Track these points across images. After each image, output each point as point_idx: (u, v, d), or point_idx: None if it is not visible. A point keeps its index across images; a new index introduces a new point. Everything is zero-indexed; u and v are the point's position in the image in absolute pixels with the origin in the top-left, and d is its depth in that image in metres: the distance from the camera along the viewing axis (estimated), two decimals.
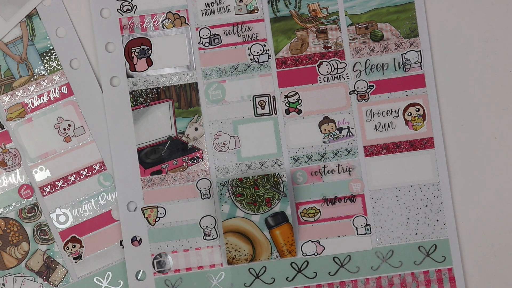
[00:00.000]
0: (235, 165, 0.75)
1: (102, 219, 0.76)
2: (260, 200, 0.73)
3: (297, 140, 0.76)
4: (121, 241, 0.75)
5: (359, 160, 0.75)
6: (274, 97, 0.76)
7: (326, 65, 0.76)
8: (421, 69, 0.76)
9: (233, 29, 0.76)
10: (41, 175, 0.75)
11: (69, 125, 0.76)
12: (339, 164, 0.75)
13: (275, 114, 0.76)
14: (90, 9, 0.76)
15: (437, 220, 0.75)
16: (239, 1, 0.76)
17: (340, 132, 0.76)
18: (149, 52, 0.76)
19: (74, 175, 0.76)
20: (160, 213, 0.75)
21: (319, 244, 0.75)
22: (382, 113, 0.76)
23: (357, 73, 0.76)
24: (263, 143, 0.76)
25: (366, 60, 0.76)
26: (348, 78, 0.76)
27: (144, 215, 0.75)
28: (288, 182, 0.75)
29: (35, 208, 0.75)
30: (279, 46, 0.76)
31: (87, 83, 0.76)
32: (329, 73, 0.76)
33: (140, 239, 0.75)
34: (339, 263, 0.75)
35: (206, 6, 0.76)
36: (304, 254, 0.75)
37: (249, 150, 0.75)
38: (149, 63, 0.76)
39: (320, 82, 0.76)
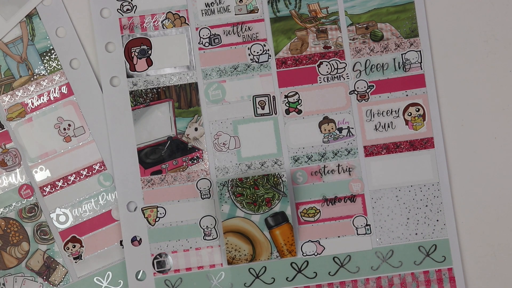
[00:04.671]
0: (235, 165, 0.75)
1: (102, 219, 0.76)
2: (260, 200, 0.73)
3: (297, 140, 0.76)
4: (121, 241, 0.75)
5: (359, 160, 0.75)
6: (274, 97, 0.76)
7: (326, 65, 0.76)
8: (421, 69, 0.76)
9: (233, 29, 0.76)
10: (41, 175, 0.76)
11: (69, 125, 0.76)
12: (339, 164, 0.75)
13: (275, 114, 0.76)
14: (90, 9, 0.76)
15: (437, 220, 0.75)
16: (239, 1, 0.76)
17: (340, 132, 0.76)
18: (149, 52, 0.76)
19: (74, 175, 0.76)
20: (160, 213, 0.75)
21: (319, 244, 0.75)
22: (382, 113, 0.76)
23: (357, 73, 0.76)
24: (263, 143, 0.76)
25: (366, 60, 0.76)
26: (348, 78, 0.76)
27: (144, 215, 0.75)
28: (288, 182, 0.75)
29: (35, 208, 0.75)
30: (279, 46, 0.76)
31: (87, 83, 0.76)
32: (329, 73, 0.76)
33: (140, 239, 0.75)
34: (339, 263, 0.75)
35: (206, 6, 0.76)
36: (304, 254, 0.75)
37: (249, 150, 0.75)
38: (149, 63, 0.76)
39: (320, 82, 0.76)
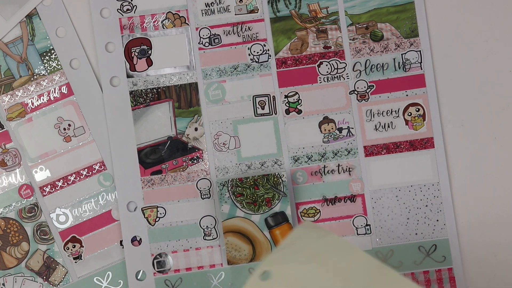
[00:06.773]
0: (235, 165, 0.75)
1: (102, 219, 0.76)
2: (260, 200, 0.73)
3: (297, 140, 0.76)
4: (121, 241, 0.75)
5: (359, 160, 0.75)
6: (274, 97, 0.76)
7: (326, 65, 0.76)
8: (421, 69, 0.76)
9: (233, 29, 0.76)
10: (41, 175, 0.76)
11: (69, 125, 0.76)
12: (339, 164, 0.75)
13: (275, 114, 0.76)
14: (90, 9, 0.76)
15: (437, 220, 0.75)
16: (239, 1, 0.76)
17: (340, 132, 0.76)
18: (149, 52, 0.76)
19: (74, 175, 0.76)
20: (160, 213, 0.75)
21: None
22: (382, 113, 0.76)
23: (357, 73, 0.76)
24: (263, 143, 0.76)
25: (366, 60, 0.76)
26: (348, 78, 0.76)
27: (144, 215, 0.75)
28: (288, 182, 0.75)
29: (35, 208, 0.75)
30: (279, 46, 0.76)
31: (87, 83, 0.76)
32: (329, 73, 0.76)
33: (140, 239, 0.75)
34: None
35: (206, 6, 0.76)
36: None
37: (249, 150, 0.75)
38: (149, 63, 0.76)
39: (320, 82, 0.76)
